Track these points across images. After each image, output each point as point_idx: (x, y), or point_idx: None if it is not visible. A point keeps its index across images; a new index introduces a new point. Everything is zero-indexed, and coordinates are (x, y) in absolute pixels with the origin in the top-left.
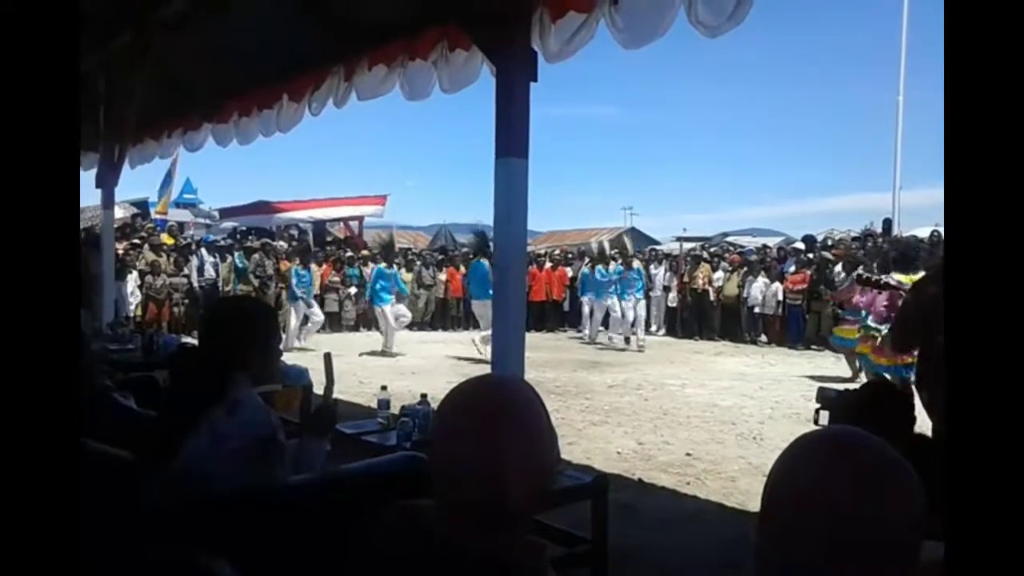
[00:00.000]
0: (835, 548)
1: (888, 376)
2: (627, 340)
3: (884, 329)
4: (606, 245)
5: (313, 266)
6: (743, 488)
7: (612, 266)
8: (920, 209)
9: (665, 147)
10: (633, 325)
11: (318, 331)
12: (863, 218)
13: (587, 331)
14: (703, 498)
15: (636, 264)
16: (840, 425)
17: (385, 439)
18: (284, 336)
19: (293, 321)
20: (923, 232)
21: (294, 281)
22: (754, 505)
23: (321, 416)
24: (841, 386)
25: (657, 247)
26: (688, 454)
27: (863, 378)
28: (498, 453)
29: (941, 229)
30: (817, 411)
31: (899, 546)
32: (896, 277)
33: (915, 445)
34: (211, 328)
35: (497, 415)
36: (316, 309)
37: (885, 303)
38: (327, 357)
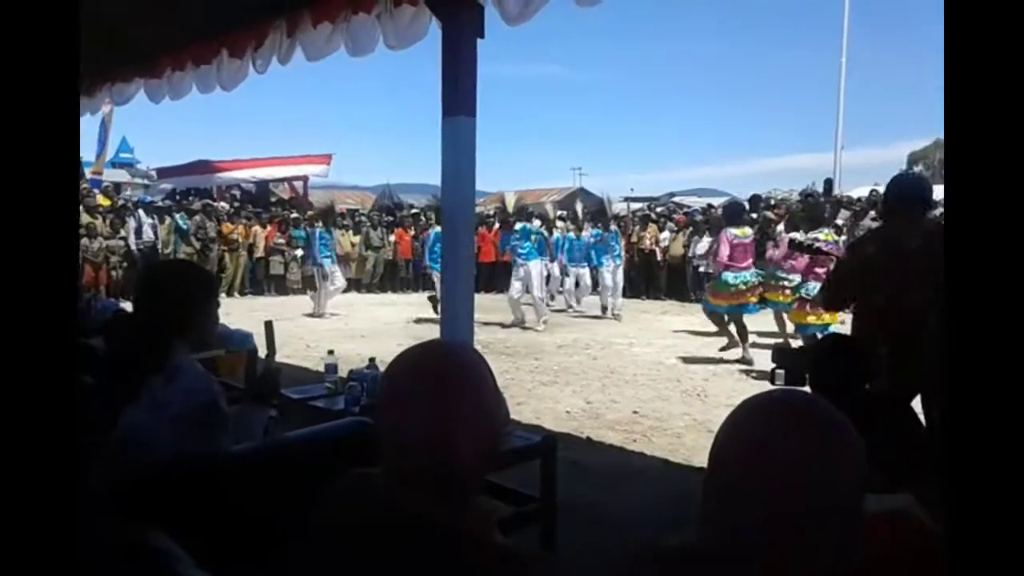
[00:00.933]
0: (780, 510)
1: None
2: (604, 309)
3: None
4: (549, 208)
5: (336, 232)
6: (688, 444)
7: (588, 230)
8: (861, 168)
9: (613, 107)
10: (612, 293)
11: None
12: (806, 178)
13: (572, 302)
14: (649, 455)
15: (613, 227)
16: (787, 388)
17: (333, 404)
18: (314, 304)
19: (320, 287)
20: (863, 191)
21: (317, 244)
22: (699, 460)
23: (263, 382)
24: (771, 342)
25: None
26: (635, 412)
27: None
28: (446, 418)
29: (880, 188)
30: (773, 371)
31: (843, 509)
32: (820, 238)
33: (867, 398)
34: (148, 292)
35: (444, 380)
36: (339, 274)
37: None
38: (268, 324)
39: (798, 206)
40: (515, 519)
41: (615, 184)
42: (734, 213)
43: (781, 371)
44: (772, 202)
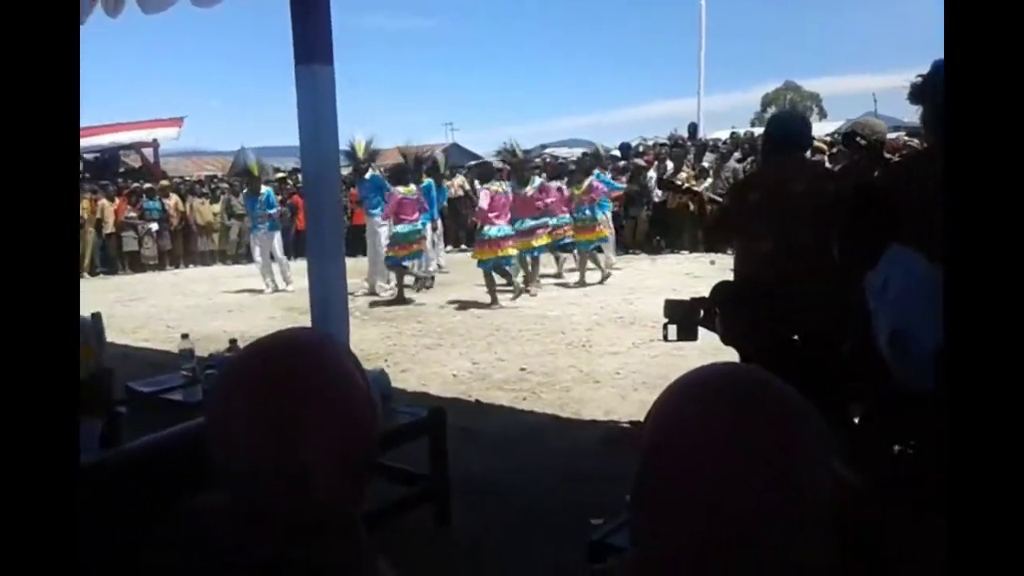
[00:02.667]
0: (730, 517)
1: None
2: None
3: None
4: (440, 157)
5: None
6: (576, 397)
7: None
8: (722, 113)
9: (478, 59)
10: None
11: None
12: (670, 124)
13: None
14: (540, 412)
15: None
16: (727, 363)
17: (190, 395)
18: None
19: (260, 257)
20: (724, 134)
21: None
22: (588, 413)
23: (90, 390)
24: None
25: (479, 162)
26: (523, 369)
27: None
28: (295, 445)
29: (742, 130)
30: (666, 326)
31: (809, 507)
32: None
33: (777, 348)
34: None
35: (295, 393)
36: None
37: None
38: (95, 316)
39: (665, 151)
40: (406, 502)
41: (488, 138)
42: (488, 172)
43: (673, 326)
44: (641, 149)
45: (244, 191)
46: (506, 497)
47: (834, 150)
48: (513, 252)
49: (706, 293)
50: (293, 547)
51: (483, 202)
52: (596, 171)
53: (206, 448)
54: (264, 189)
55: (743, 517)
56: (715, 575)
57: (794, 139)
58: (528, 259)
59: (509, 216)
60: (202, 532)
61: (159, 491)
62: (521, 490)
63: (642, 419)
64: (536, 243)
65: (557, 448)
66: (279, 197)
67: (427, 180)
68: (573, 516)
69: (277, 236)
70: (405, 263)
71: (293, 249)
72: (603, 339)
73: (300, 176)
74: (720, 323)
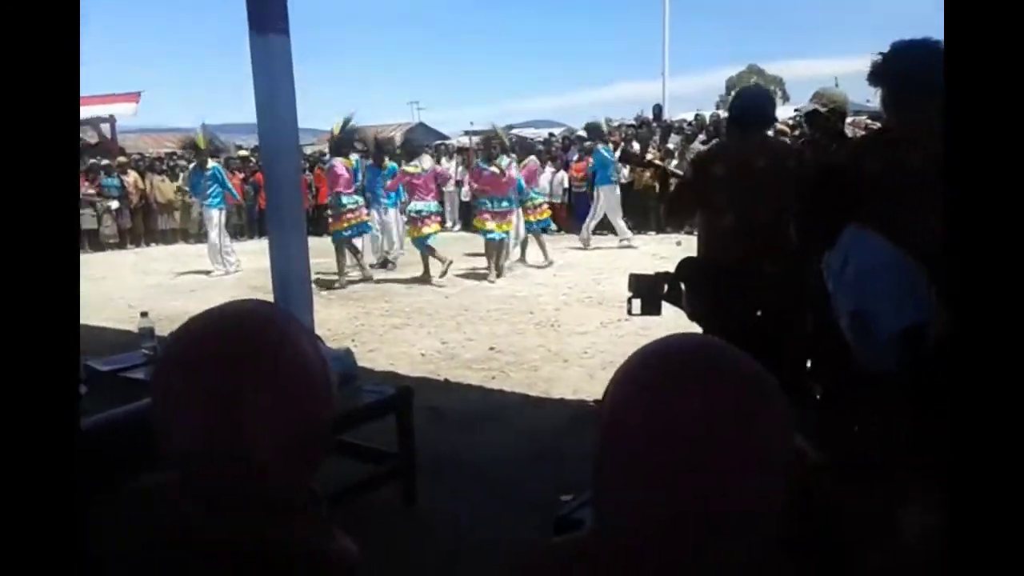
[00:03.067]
0: (690, 499)
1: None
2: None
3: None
4: (397, 139)
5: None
6: (545, 376)
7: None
8: (688, 94)
9: (445, 37)
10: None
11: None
12: (635, 105)
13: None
14: (508, 391)
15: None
16: (686, 334)
17: (151, 374)
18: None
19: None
20: (688, 115)
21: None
22: (557, 392)
23: None
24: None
25: (447, 142)
26: (491, 348)
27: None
28: (241, 423)
29: (705, 113)
30: (630, 300)
31: (769, 487)
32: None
33: (739, 324)
34: None
35: (238, 369)
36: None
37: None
38: None
39: (631, 131)
40: (373, 481)
41: (455, 117)
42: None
43: (637, 300)
44: (607, 130)
45: (191, 166)
46: (474, 475)
47: (796, 132)
48: (436, 229)
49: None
50: (244, 525)
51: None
52: (600, 145)
53: (152, 427)
54: (211, 164)
55: (702, 490)
56: (674, 548)
57: (757, 116)
58: (504, 241)
59: (434, 193)
60: (152, 510)
61: (110, 468)
62: (489, 468)
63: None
64: (507, 227)
65: (526, 427)
66: (241, 175)
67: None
68: (541, 493)
69: (219, 214)
70: (347, 235)
71: (256, 228)
72: (571, 319)
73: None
74: (686, 299)
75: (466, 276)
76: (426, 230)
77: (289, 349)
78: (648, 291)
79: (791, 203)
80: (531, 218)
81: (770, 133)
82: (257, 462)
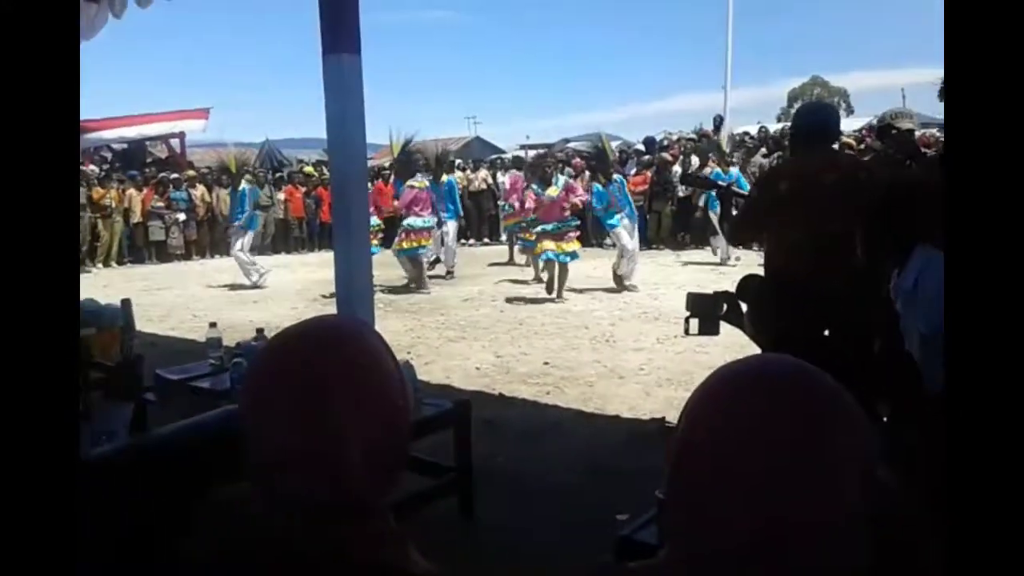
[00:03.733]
0: (768, 523)
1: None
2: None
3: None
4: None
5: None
6: (600, 392)
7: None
8: (748, 107)
9: (503, 52)
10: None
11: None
12: (694, 118)
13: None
14: (563, 406)
15: (616, 177)
16: (769, 356)
17: (219, 383)
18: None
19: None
20: (751, 128)
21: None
22: (612, 408)
23: (119, 375)
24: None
25: (503, 155)
26: (546, 363)
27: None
28: (329, 434)
29: (769, 125)
30: (687, 319)
31: (847, 514)
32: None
33: (807, 342)
34: None
35: (327, 381)
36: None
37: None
38: (125, 303)
39: (690, 145)
40: (431, 493)
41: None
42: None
43: (695, 319)
44: (666, 143)
45: (228, 188)
46: (530, 489)
47: (862, 146)
48: (429, 243)
49: (731, 288)
50: (322, 536)
51: (405, 197)
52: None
53: (239, 436)
54: (243, 185)
55: (781, 514)
56: (754, 573)
57: (822, 131)
58: (557, 263)
59: (431, 210)
60: (230, 520)
61: (186, 478)
62: (544, 483)
63: (666, 415)
64: (568, 247)
65: (580, 442)
66: (303, 189)
67: (447, 177)
68: (597, 510)
69: (249, 235)
70: (418, 253)
71: (317, 241)
72: (627, 334)
73: (325, 168)
74: (748, 317)
75: (512, 291)
76: (415, 244)
77: (374, 364)
78: (706, 310)
79: (860, 219)
80: (563, 248)
81: (835, 147)
82: (344, 474)
